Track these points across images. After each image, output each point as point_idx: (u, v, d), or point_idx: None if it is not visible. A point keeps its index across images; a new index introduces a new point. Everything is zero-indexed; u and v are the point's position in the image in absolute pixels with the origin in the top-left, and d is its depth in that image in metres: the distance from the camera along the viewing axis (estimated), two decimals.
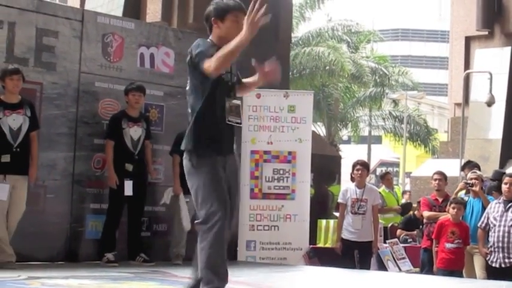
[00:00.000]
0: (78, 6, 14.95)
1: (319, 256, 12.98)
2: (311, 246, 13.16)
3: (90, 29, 11.17)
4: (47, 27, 10.60)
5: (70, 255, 10.84)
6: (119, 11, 14.54)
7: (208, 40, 6.57)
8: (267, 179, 12.74)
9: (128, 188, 10.83)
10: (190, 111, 6.52)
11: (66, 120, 10.82)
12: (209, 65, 6.22)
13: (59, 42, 10.82)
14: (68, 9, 12.05)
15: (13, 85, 9.74)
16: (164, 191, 11.41)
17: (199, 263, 6.44)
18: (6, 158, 9.69)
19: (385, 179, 17.12)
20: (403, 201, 19.28)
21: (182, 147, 6.50)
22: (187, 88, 6.60)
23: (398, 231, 15.05)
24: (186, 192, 11.26)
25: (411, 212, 15.78)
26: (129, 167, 10.91)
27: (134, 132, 10.97)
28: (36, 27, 10.60)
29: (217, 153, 6.43)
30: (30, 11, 10.61)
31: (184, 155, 6.48)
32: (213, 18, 6.59)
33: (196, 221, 6.55)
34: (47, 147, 10.59)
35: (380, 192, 14.52)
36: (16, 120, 9.80)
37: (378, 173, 36.36)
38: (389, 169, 40.08)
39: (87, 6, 15.03)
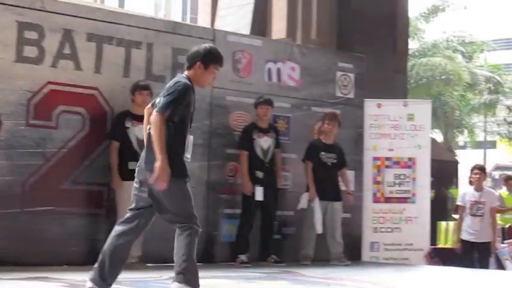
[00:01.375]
0: (209, 26, 15.13)
1: (440, 256, 12.87)
2: (432, 246, 13.05)
3: (221, 47, 11.14)
4: (181, 46, 10.72)
5: (206, 257, 10.92)
6: (246, 29, 14.68)
7: (185, 77, 6.82)
8: (389, 184, 12.71)
9: (259, 194, 10.91)
10: None
11: (200, 132, 10.94)
12: (155, 119, 6.58)
13: None
14: (200, 29, 12.21)
15: (142, 100, 9.89)
16: (300, 197, 11.44)
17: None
18: (132, 165, 9.88)
19: (508, 183, 16.93)
20: None
21: None
22: None
23: None
24: (321, 197, 11.36)
25: None
26: (260, 174, 11.00)
27: (264, 142, 11.07)
28: (172, 47, 10.77)
29: None
30: (166, 32, 10.78)
31: None
32: (199, 62, 6.81)
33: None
34: None
35: (500, 194, 14.35)
36: (142, 131, 10.00)
37: (494, 177, 35.66)
38: (506, 173, 39.31)
39: (216, 26, 15.20)
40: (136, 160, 9.78)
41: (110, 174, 9.92)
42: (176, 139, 6.76)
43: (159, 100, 6.71)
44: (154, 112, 6.64)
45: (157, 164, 6.53)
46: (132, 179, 9.70)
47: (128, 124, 9.98)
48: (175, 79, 6.90)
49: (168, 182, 6.52)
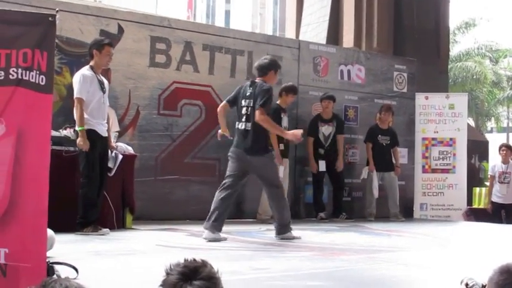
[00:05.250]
0: (294, 37, 14.99)
1: (474, 214, 12.62)
2: (468, 207, 12.78)
3: (304, 54, 11.16)
4: (274, 53, 10.57)
5: (294, 213, 10.77)
6: (323, 40, 14.51)
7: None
8: (435, 158, 12.49)
9: (322, 166, 10.75)
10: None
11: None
12: (261, 116, 7.11)
13: (283, 64, 10.74)
14: (289, 40, 12.11)
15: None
16: (362, 169, 11.29)
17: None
18: (281, 147, 9.82)
19: None
20: None
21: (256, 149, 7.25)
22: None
23: None
24: (377, 169, 11.14)
25: None
26: (322, 151, 10.80)
27: (325, 130, 10.86)
28: (267, 54, 10.62)
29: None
30: (263, 42, 10.73)
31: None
32: (273, 71, 7.42)
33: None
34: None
35: None
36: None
37: None
38: None
39: (301, 37, 15.05)
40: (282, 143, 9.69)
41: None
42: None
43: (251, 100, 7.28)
44: (258, 109, 7.14)
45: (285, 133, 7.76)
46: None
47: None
48: (265, 85, 7.31)
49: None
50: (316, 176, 10.81)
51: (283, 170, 9.74)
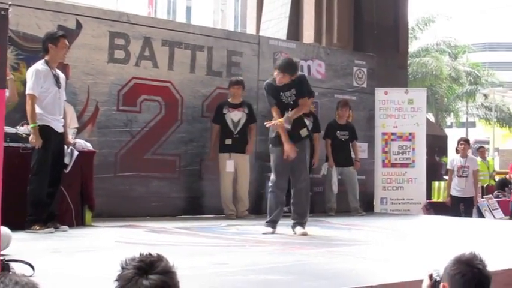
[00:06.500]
0: (255, 33, 14.99)
1: (433, 208, 12.78)
2: (427, 201, 12.94)
3: (264, 49, 11.17)
4: (234, 49, 10.66)
5: (256, 209, 10.85)
6: (283, 36, 14.54)
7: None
8: (394, 153, 12.60)
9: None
10: None
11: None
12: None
13: (243, 60, 10.86)
14: (249, 36, 12.10)
15: (235, 92, 9.99)
16: (322, 165, 11.35)
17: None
18: (228, 141, 9.88)
19: (480, 151, 16.85)
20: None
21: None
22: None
23: (495, 193, 14.47)
24: (336, 165, 11.21)
25: (504, 176, 15.30)
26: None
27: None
28: (227, 49, 10.67)
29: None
30: (222, 38, 10.70)
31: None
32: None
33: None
34: None
35: None
36: (237, 115, 9.96)
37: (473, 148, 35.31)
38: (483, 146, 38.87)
39: (262, 34, 15.05)
40: (230, 138, 9.80)
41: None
42: None
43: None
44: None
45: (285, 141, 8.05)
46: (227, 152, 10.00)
47: (225, 111, 10.00)
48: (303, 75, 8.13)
49: None
50: None
51: (232, 164, 9.81)
